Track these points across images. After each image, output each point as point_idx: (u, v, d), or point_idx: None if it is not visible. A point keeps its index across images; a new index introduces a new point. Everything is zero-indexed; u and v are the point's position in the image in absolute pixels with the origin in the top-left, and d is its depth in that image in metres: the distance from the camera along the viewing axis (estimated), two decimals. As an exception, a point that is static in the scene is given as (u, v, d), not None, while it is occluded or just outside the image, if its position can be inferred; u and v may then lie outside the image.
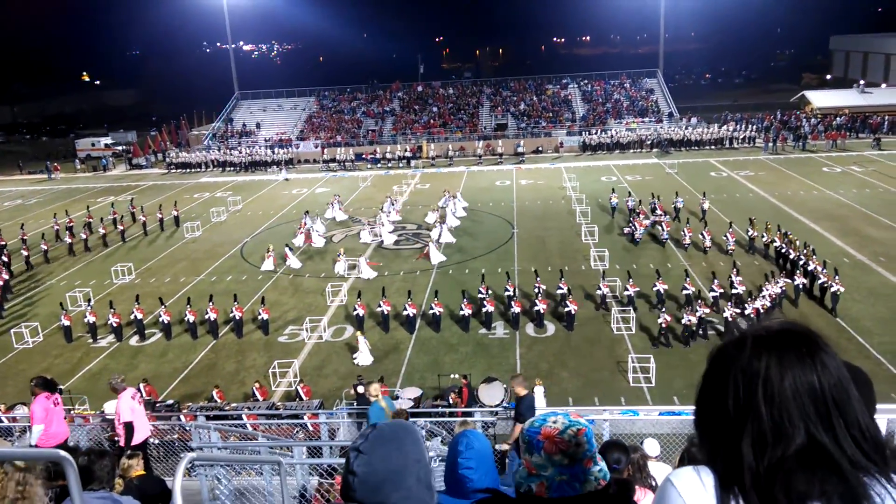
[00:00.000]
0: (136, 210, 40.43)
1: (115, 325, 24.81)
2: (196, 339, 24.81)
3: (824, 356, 1.48)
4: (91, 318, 24.95)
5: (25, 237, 35.62)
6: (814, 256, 25.44)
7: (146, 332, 25.18)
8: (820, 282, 24.19)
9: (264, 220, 40.80)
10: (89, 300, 26.87)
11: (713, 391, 1.53)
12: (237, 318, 24.74)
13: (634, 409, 15.43)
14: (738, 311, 22.25)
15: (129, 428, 9.36)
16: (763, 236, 29.48)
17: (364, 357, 22.35)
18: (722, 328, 22.40)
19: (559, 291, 24.44)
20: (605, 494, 1.91)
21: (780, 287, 23.69)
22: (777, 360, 1.46)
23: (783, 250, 27.52)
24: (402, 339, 23.98)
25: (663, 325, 22.07)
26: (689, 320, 21.83)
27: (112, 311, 24.95)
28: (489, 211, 39.92)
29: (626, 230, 32.77)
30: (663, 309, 22.93)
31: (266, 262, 31.71)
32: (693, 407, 1.60)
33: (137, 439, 9.40)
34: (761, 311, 22.12)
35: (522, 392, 10.61)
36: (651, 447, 7.31)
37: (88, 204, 42.71)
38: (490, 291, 24.84)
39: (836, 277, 23.36)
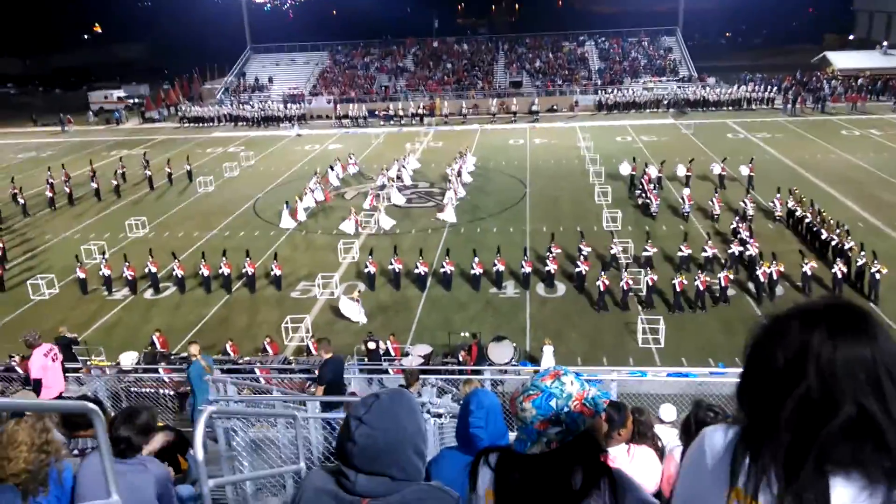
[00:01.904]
0: (147, 164, 40.47)
1: (129, 278, 25.12)
2: (209, 293, 25.10)
3: (874, 329, 1.47)
4: (106, 271, 25.27)
5: (15, 190, 35.94)
6: (848, 237, 23.71)
7: (160, 285, 25.49)
8: (858, 265, 22.48)
9: (276, 176, 40.79)
10: (104, 253, 27.15)
11: (760, 363, 1.53)
12: (250, 273, 24.98)
13: (643, 370, 15.57)
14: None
15: (36, 384, 9.43)
16: (796, 210, 27.54)
17: (353, 313, 22.55)
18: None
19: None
20: (561, 452, 2.04)
21: (806, 270, 22.32)
22: (827, 333, 1.45)
23: (815, 229, 25.69)
24: (413, 297, 24.17)
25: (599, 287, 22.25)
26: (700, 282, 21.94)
27: (127, 264, 25.24)
28: (502, 170, 39.72)
29: (640, 201, 31.76)
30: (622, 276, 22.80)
31: (285, 218, 31.74)
32: (737, 373, 1.62)
33: (47, 396, 9.38)
34: (731, 278, 22.34)
35: (326, 355, 10.97)
36: (667, 412, 7.38)
37: (91, 158, 42.63)
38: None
39: (876, 260, 21.71)
